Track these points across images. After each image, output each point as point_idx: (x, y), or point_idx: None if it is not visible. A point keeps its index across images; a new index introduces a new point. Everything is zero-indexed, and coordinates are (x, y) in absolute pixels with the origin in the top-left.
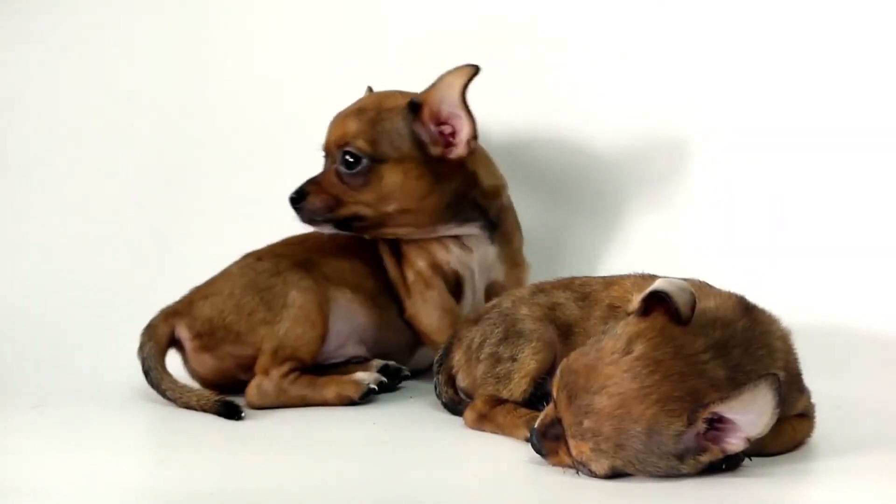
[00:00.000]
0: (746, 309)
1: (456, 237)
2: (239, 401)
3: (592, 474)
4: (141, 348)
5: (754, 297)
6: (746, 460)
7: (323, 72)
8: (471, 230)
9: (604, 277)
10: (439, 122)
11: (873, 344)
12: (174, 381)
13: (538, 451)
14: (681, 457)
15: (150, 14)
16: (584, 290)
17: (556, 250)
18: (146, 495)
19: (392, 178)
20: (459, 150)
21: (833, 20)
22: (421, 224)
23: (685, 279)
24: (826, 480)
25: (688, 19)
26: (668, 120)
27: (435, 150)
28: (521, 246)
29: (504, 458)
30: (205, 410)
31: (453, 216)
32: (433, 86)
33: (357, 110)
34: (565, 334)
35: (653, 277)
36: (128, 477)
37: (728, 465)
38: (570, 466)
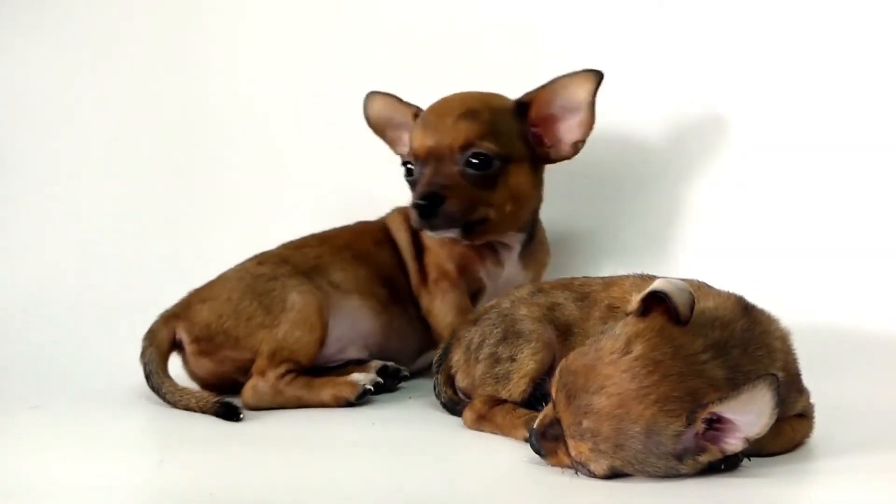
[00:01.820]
0: (745, 309)
1: (493, 250)
2: (234, 402)
3: (591, 474)
4: (143, 354)
5: (754, 298)
6: (745, 460)
7: (324, 78)
8: (517, 239)
9: (603, 278)
10: (536, 124)
11: (873, 344)
12: (174, 385)
13: (537, 452)
14: (680, 457)
15: (154, 15)
16: (584, 291)
17: (558, 251)
18: (146, 495)
19: (517, 178)
20: (565, 152)
21: (834, 21)
22: (517, 227)
23: (684, 279)
24: (825, 480)
25: (688, 19)
26: (666, 121)
27: (542, 151)
28: (546, 260)
29: (503, 458)
30: (204, 412)
31: (529, 222)
32: (545, 87)
33: (468, 111)
34: (564, 335)
35: (652, 278)
36: (128, 477)
37: (727, 465)
38: (569, 467)
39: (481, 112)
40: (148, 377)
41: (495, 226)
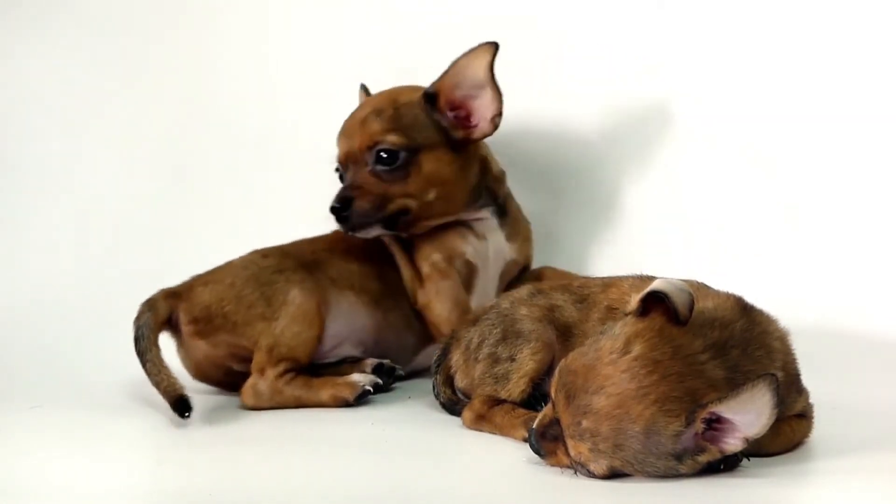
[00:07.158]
0: (745, 309)
1: (470, 227)
2: (233, 401)
3: (591, 475)
4: (138, 317)
5: (753, 298)
6: (745, 460)
7: (328, 73)
8: (485, 214)
9: (602, 279)
10: (453, 108)
11: (873, 344)
12: (158, 357)
13: (536, 452)
14: (679, 457)
15: (153, 16)
16: (583, 293)
17: (551, 243)
18: (146, 495)
19: (430, 164)
20: (485, 129)
21: (833, 20)
22: (452, 211)
23: (683, 280)
24: (824, 481)
25: (688, 18)
26: (667, 117)
27: (458, 134)
28: (529, 233)
29: (502, 458)
30: (164, 397)
31: (474, 201)
32: (447, 73)
33: (373, 111)
34: (564, 336)
35: (651, 279)
36: (127, 477)
37: (726, 465)
38: (568, 467)
39: (385, 110)
40: (137, 340)
41: (420, 213)
